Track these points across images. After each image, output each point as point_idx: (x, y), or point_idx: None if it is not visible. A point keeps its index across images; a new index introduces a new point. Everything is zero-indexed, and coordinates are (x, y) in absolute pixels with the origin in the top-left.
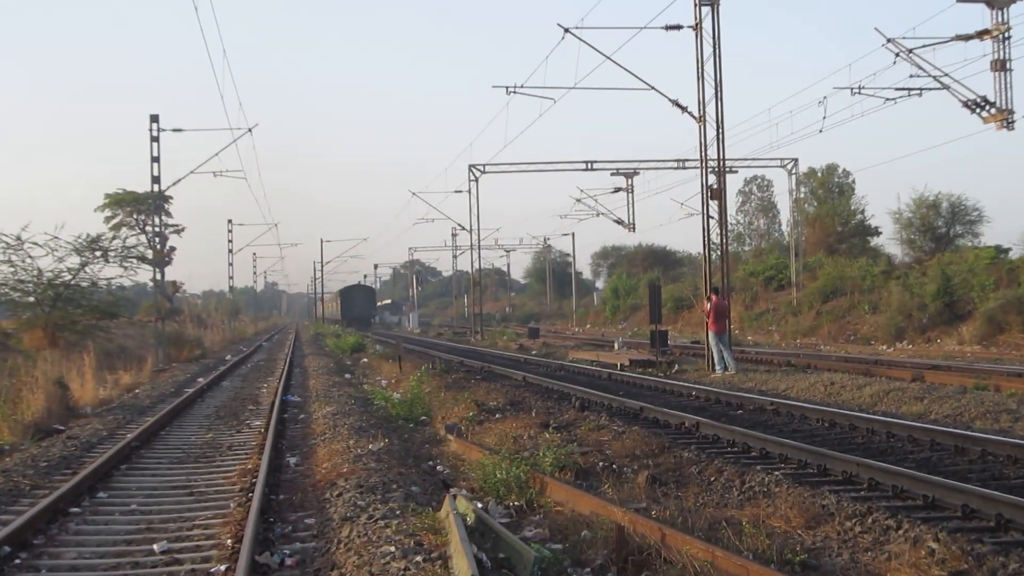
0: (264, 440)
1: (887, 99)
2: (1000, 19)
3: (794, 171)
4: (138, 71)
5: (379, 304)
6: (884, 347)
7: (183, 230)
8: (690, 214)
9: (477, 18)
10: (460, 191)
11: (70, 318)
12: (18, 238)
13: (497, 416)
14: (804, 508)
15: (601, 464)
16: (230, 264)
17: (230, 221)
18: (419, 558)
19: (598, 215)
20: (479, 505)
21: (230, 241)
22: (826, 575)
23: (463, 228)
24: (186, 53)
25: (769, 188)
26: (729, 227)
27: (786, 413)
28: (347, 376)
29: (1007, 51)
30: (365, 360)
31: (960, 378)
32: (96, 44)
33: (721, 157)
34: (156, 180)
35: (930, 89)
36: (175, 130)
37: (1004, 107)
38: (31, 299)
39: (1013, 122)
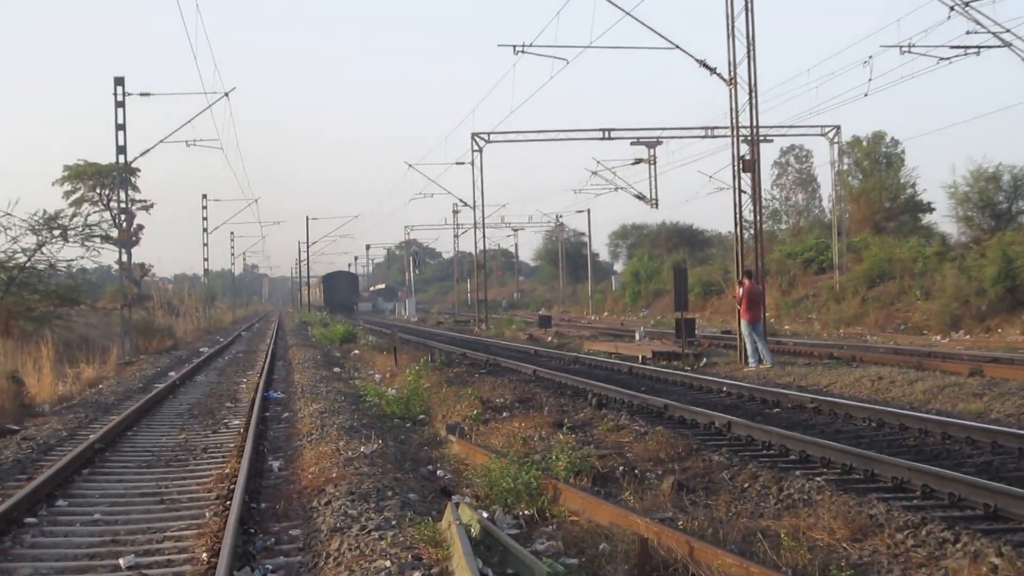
0: (243, 441)
1: (941, 58)
2: None
3: (836, 140)
4: (100, 28)
5: (373, 289)
6: (938, 337)
7: (152, 206)
8: (720, 188)
9: None
10: (462, 163)
11: (25, 305)
12: None
13: (504, 415)
14: (849, 518)
15: (621, 469)
16: (205, 245)
17: (205, 196)
18: (417, 574)
19: (616, 190)
20: (484, 515)
21: (205, 219)
22: None
23: (465, 204)
24: (154, 7)
25: (808, 159)
26: (763, 203)
27: (828, 412)
28: (336, 370)
29: None
30: (356, 352)
31: None
32: None
33: (754, 124)
34: (121, 150)
35: (989, 47)
36: (142, 94)
37: None
38: None
39: None
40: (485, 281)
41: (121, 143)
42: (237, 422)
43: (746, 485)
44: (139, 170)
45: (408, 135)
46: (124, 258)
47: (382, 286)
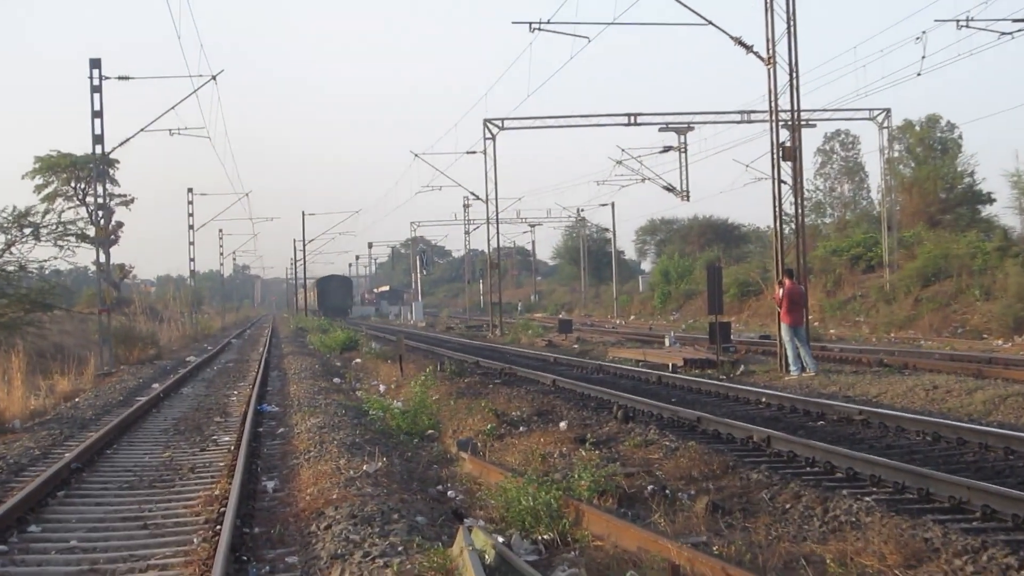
0: (234, 460)
1: (1002, 33)
2: None
3: (886, 124)
4: (74, 3)
5: (378, 291)
6: (1000, 342)
7: (132, 201)
8: (757, 179)
9: None
10: (473, 152)
11: None
12: None
13: (521, 429)
14: (902, 542)
15: (650, 488)
16: (191, 243)
17: (190, 190)
18: None
19: (643, 180)
20: (500, 539)
21: (191, 215)
22: None
23: (477, 198)
24: None
25: (855, 146)
26: (806, 194)
27: (878, 424)
28: (336, 381)
29: None
30: (358, 361)
31: None
32: None
33: (795, 108)
34: (98, 140)
35: None
36: (121, 78)
37: None
38: None
39: None
40: (499, 282)
41: (98, 132)
42: (227, 439)
43: (788, 506)
44: (118, 162)
45: (414, 122)
46: (102, 258)
47: (386, 288)
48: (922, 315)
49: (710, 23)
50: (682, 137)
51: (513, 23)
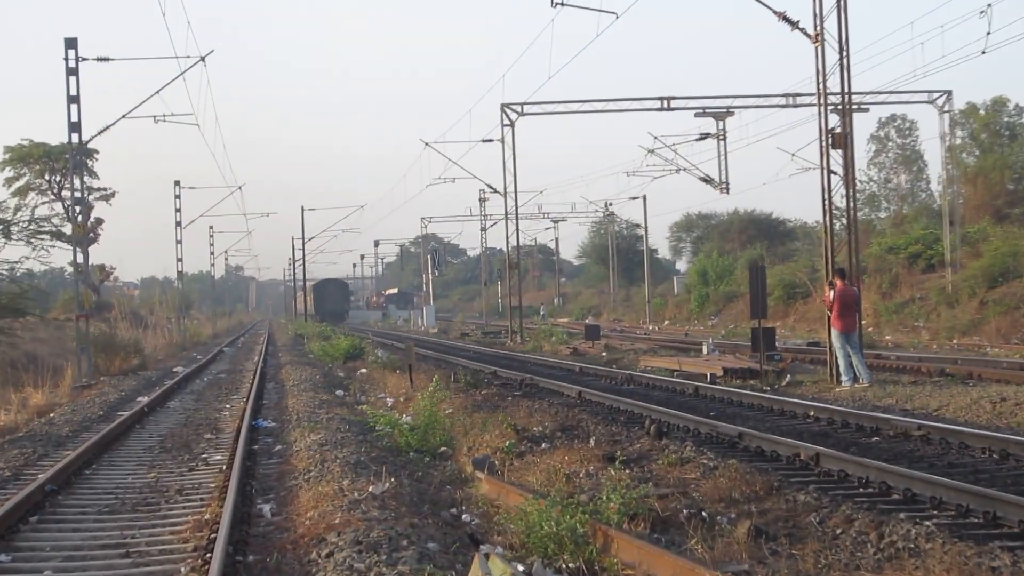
0: (227, 481)
1: None
2: None
3: (947, 108)
4: None
5: (387, 293)
6: None
7: (113, 196)
8: (804, 169)
9: None
10: (490, 140)
11: None
12: None
13: (543, 446)
14: (966, 572)
15: (686, 511)
16: (178, 242)
17: (178, 183)
18: None
19: (678, 171)
20: (520, 568)
21: (178, 210)
22: None
23: (494, 190)
24: None
25: (912, 132)
26: (859, 186)
27: (939, 441)
28: (339, 393)
29: None
30: (363, 371)
31: None
32: None
33: (846, 90)
34: (75, 127)
35: None
36: (99, 59)
37: None
38: None
39: None
40: (519, 284)
41: (74, 119)
42: (219, 457)
43: (839, 531)
44: (97, 152)
45: (424, 107)
46: (80, 259)
47: (394, 291)
48: (988, 319)
49: None
50: (721, 123)
51: None
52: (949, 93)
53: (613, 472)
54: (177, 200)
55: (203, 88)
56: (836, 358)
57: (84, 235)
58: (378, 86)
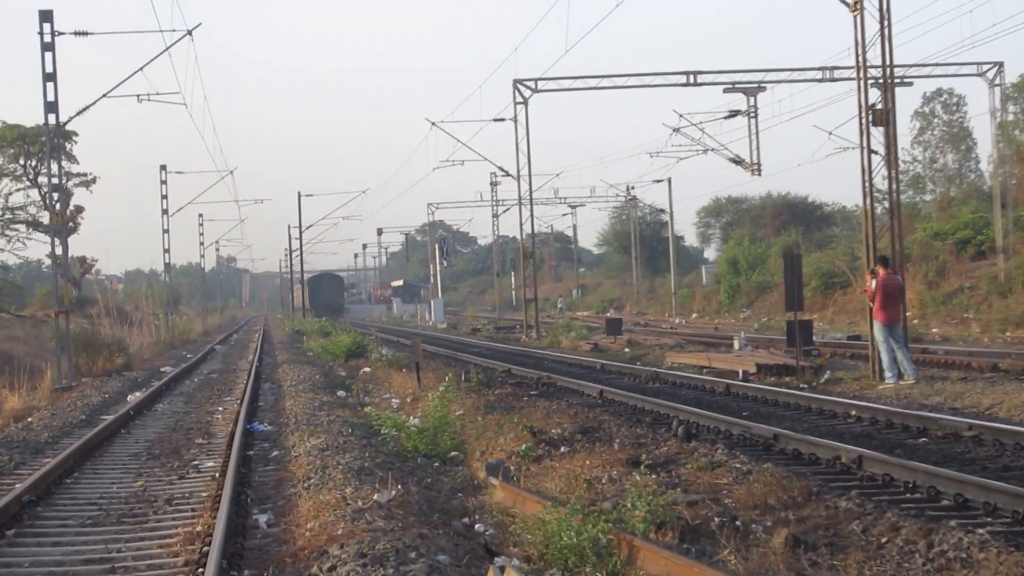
0: (220, 489)
1: None
2: None
3: (998, 81)
4: None
5: (395, 284)
6: None
7: (94, 182)
8: (842, 148)
9: None
10: (501, 119)
11: None
12: None
13: (563, 449)
14: None
15: (718, 519)
16: (165, 231)
17: (164, 168)
18: None
19: (706, 152)
20: None
21: (165, 197)
22: None
23: (506, 174)
24: None
25: (960, 107)
26: (902, 166)
27: (992, 442)
28: (341, 394)
29: None
30: (367, 370)
31: None
32: None
33: (887, 63)
34: (51, 108)
35: None
36: (77, 33)
37: None
38: None
39: None
40: (535, 274)
41: (51, 98)
42: (211, 464)
43: (884, 540)
44: (76, 134)
45: (431, 85)
46: (59, 250)
47: (399, 283)
48: None
49: None
50: (752, 99)
51: None
52: (1000, 65)
53: (638, 477)
54: (163, 186)
55: (190, 65)
56: (879, 353)
57: (63, 224)
58: (380, 61)
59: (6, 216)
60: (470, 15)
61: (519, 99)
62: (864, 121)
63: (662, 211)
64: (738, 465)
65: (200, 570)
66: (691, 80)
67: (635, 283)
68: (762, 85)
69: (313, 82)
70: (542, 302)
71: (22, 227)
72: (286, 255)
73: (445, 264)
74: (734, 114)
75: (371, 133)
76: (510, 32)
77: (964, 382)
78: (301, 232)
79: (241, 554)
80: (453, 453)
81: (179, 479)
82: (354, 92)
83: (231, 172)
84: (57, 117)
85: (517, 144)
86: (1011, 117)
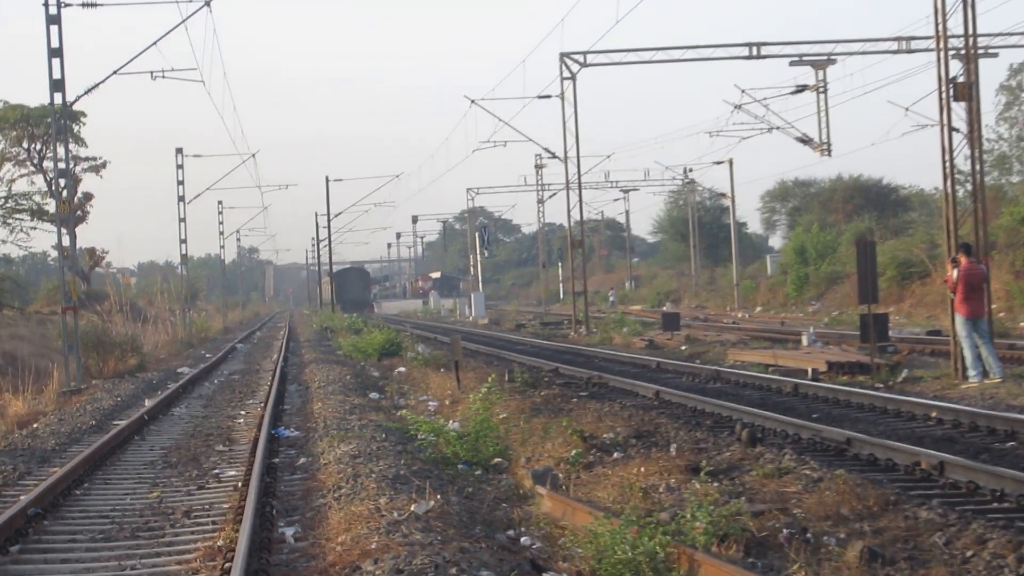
0: (242, 500)
1: None
2: None
3: None
4: None
5: (433, 276)
6: None
7: (104, 167)
8: (920, 126)
9: None
10: (547, 96)
11: None
12: None
13: (615, 456)
14: None
15: (786, 531)
16: (182, 220)
17: (180, 151)
18: None
19: (770, 130)
20: None
21: (181, 183)
22: None
23: (553, 156)
24: None
25: None
26: (986, 145)
27: None
28: (374, 396)
29: None
30: (402, 369)
31: None
32: None
33: (970, 32)
34: (58, 86)
35: None
36: (86, 4)
37: None
38: None
39: None
40: (583, 265)
41: (57, 75)
42: (233, 473)
43: (969, 553)
44: (84, 115)
45: (470, 60)
46: (66, 241)
47: (436, 275)
48: None
49: None
50: (821, 73)
51: None
52: None
53: (698, 485)
54: (180, 171)
55: (209, 38)
56: (961, 349)
57: (70, 213)
58: (416, 34)
59: (9, 204)
60: None
61: (566, 74)
62: (944, 96)
63: (723, 195)
64: (808, 472)
65: None
66: (754, 52)
67: (693, 274)
68: (832, 57)
69: (343, 57)
70: (592, 295)
71: (26, 216)
72: (313, 245)
73: (486, 254)
74: (801, 89)
75: (406, 112)
76: (556, 1)
77: None
78: (329, 220)
79: (266, 570)
80: (496, 460)
81: (198, 489)
82: (388, 67)
83: (253, 155)
84: (64, 96)
85: (564, 123)
86: None
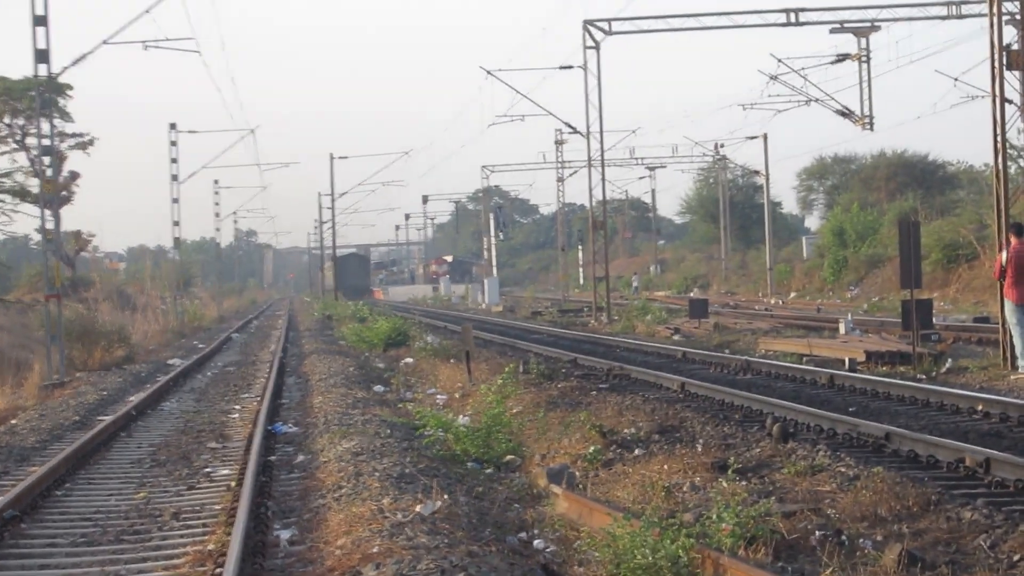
0: (236, 501)
1: None
2: None
3: None
4: None
5: (449, 260)
6: None
7: (92, 143)
8: (970, 97)
9: None
10: (569, 67)
11: None
12: None
13: (637, 452)
14: None
15: (819, 533)
16: (175, 201)
17: (173, 127)
18: None
19: (808, 103)
20: None
21: (174, 161)
22: None
23: (574, 130)
24: None
25: None
26: None
27: None
28: (378, 389)
29: None
30: (408, 360)
31: None
32: None
33: None
34: (42, 56)
35: None
36: None
37: None
38: None
39: None
40: (606, 248)
41: (41, 45)
42: (226, 471)
43: (1016, 557)
44: (71, 88)
45: (486, 28)
46: (50, 223)
47: (448, 259)
48: None
49: None
50: (863, 41)
51: None
52: None
53: (725, 484)
54: (173, 148)
55: (205, 6)
56: (1011, 337)
57: (55, 193)
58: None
59: None
60: None
61: (589, 43)
62: (997, 64)
63: (756, 173)
64: (843, 469)
65: None
66: (792, 19)
67: (724, 257)
68: (875, 24)
69: (349, 26)
70: (614, 280)
71: (7, 197)
72: (315, 228)
73: (501, 237)
74: (842, 58)
75: (416, 84)
76: None
77: None
78: (333, 200)
79: None
80: (509, 457)
81: (188, 489)
82: (396, 37)
83: (252, 131)
84: (49, 67)
85: (587, 96)
86: None
